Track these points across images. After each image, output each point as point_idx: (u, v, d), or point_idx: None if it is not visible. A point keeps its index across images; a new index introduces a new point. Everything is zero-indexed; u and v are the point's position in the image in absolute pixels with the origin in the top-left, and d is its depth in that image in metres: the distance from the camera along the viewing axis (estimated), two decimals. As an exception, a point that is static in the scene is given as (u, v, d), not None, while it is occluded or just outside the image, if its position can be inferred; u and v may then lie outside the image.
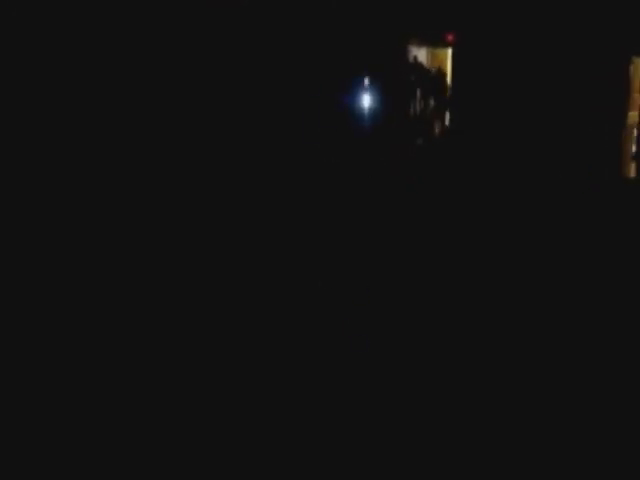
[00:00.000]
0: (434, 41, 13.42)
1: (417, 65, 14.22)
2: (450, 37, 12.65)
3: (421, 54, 14.36)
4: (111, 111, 9.13)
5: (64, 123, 8.78)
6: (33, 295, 5.58)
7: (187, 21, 9.81)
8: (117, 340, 4.92)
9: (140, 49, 9.40)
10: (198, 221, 7.54)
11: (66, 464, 3.54)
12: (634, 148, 10.79)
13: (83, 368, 4.51)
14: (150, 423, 3.92)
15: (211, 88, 10.05)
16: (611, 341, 4.99)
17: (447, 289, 6.00)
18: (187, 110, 9.70)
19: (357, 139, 11.35)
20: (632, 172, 10.81)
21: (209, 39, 10.02)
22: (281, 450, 3.69)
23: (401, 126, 12.81)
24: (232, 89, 10.23)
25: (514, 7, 10.97)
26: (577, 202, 8.69)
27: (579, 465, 3.59)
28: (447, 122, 13.71)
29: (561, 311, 5.52)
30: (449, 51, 13.41)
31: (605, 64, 10.32)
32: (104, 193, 8.08)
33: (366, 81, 12.49)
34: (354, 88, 12.19)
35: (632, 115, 10.80)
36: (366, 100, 12.52)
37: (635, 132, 10.82)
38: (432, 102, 14.33)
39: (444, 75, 13.68)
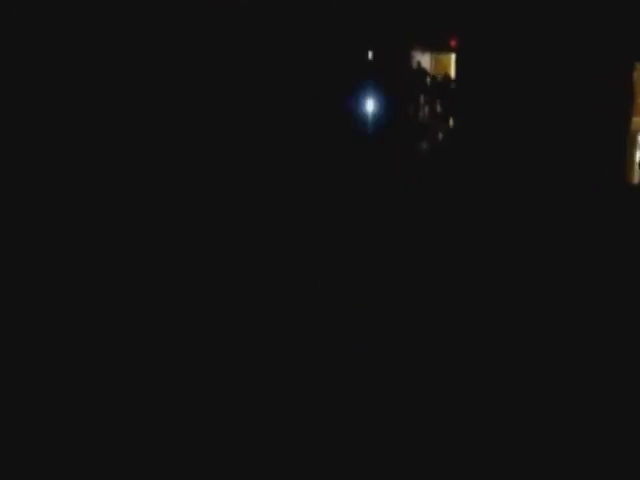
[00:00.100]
0: (438, 46, 13.47)
1: (420, 70, 14.29)
2: (453, 42, 12.69)
3: (425, 60, 14.43)
4: (111, 111, 9.14)
5: (64, 123, 8.79)
6: (33, 295, 5.56)
7: (187, 21, 9.84)
8: (117, 340, 4.90)
9: (140, 49, 9.42)
10: (198, 221, 7.54)
11: (66, 464, 3.51)
12: (639, 155, 10.79)
13: (83, 368, 4.48)
14: (150, 423, 3.88)
15: (211, 88, 10.06)
16: (611, 341, 4.97)
17: (448, 290, 5.98)
18: (187, 110, 9.71)
19: (359, 141, 11.35)
20: (636, 178, 10.79)
21: (209, 39, 10.05)
22: (281, 450, 3.65)
23: (404, 130, 12.83)
24: (232, 89, 10.24)
25: (518, 13, 10.99)
26: (581, 208, 8.67)
27: (579, 465, 3.55)
28: (451, 127, 13.75)
29: (563, 313, 5.49)
30: (452, 56, 13.45)
31: (609, 70, 10.34)
32: (104, 193, 8.07)
33: (369, 85, 12.51)
34: (356, 91, 12.20)
35: (636, 121, 10.80)
36: (369, 104, 12.54)
37: (639, 138, 10.83)
38: (438, 107, 14.40)
39: (450, 81, 13.73)
